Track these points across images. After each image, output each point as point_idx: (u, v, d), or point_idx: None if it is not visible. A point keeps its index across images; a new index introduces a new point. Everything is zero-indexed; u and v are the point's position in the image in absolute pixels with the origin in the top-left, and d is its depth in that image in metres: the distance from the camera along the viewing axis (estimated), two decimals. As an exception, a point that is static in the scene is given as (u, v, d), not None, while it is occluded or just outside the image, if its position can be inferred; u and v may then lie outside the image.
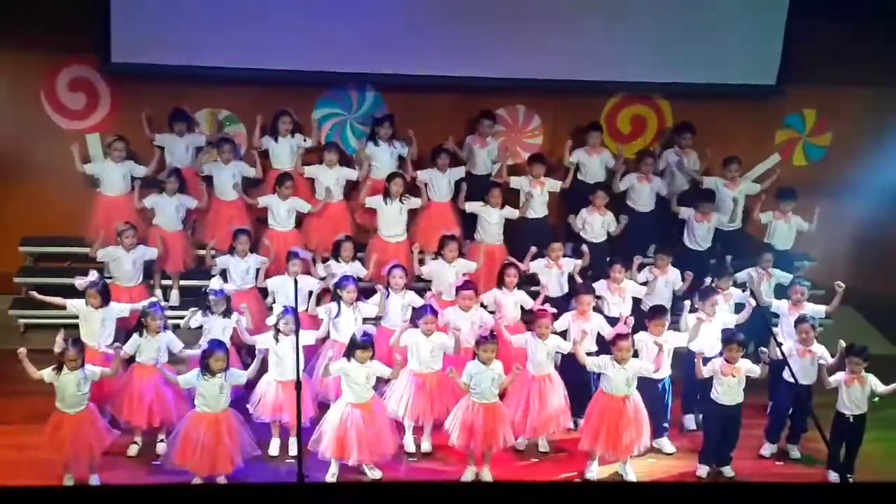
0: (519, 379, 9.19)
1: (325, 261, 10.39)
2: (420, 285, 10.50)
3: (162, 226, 10.69)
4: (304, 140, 11.26)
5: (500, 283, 10.03)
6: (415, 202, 10.95)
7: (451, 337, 9.26)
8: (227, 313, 9.41)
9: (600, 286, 10.12)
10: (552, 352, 9.32)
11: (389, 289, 9.86)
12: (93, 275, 9.51)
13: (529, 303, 10.02)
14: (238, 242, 10.19)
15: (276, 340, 9.06)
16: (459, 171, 11.23)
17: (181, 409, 8.94)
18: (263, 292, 10.32)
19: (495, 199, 10.87)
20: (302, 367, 8.64)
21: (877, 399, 9.18)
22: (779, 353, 8.95)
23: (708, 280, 10.12)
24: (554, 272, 10.42)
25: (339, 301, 9.61)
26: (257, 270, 10.29)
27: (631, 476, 9.13)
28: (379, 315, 9.90)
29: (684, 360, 9.69)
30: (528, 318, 9.87)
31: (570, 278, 10.50)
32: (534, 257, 10.61)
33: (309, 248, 10.66)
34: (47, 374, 8.45)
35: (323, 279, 10.15)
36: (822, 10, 11.10)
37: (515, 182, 11.23)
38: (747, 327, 9.90)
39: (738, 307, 10.13)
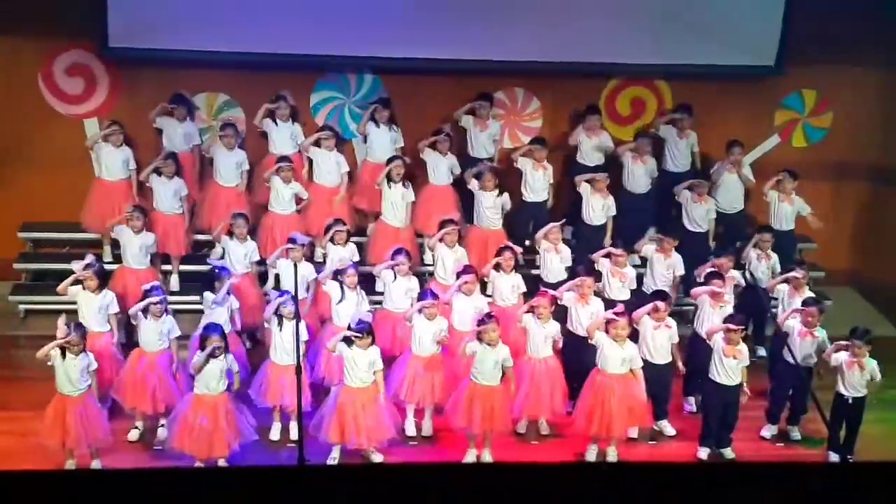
0: (517, 361, 9.21)
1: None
2: (423, 269, 10.54)
3: (160, 209, 10.67)
4: (300, 136, 11.20)
5: (497, 267, 10.03)
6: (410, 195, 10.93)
7: (442, 334, 9.29)
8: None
9: (604, 266, 10.10)
10: (550, 336, 9.31)
11: (394, 272, 9.85)
12: (89, 258, 9.51)
13: (524, 287, 10.02)
14: (236, 227, 10.19)
15: (280, 327, 9.05)
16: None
17: (185, 393, 8.95)
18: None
19: (488, 182, 10.84)
20: (302, 352, 8.69)
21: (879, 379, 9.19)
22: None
23: (704, 270, 10.06)
24: (553, 256, 10.40)
25: (342, 286, 9.59)
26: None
27: (612, 459, 9.14)
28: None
29: (685, 343, 9.70)
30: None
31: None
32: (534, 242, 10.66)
33: (309, 233, 10.65)
34: (47, 352, 8.43)
35: (320, 263, 10.21)
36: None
37: (521, 162, 11.19)
38: (745, 309, 9.91)
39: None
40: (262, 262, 10.46)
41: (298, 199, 10.88)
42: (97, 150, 10.89)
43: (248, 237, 10.27)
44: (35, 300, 10.78)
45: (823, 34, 11.44)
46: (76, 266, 9.36)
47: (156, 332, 9.01)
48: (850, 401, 9.14)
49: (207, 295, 9.46)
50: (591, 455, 9.18)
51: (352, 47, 11.08)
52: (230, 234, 10.24)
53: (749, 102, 12.12)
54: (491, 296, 10.03)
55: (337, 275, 9.67)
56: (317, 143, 11.08)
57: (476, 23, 11.11)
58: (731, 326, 9.09)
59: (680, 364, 9.51)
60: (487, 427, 8.95)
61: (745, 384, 9.20)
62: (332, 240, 10.24)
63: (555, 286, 9.98)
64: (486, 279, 10.06)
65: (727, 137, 11.55)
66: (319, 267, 10.25)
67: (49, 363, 8.46)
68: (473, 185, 10.93)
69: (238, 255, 10.15)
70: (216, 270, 9.57)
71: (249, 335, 10.22)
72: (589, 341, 9.19)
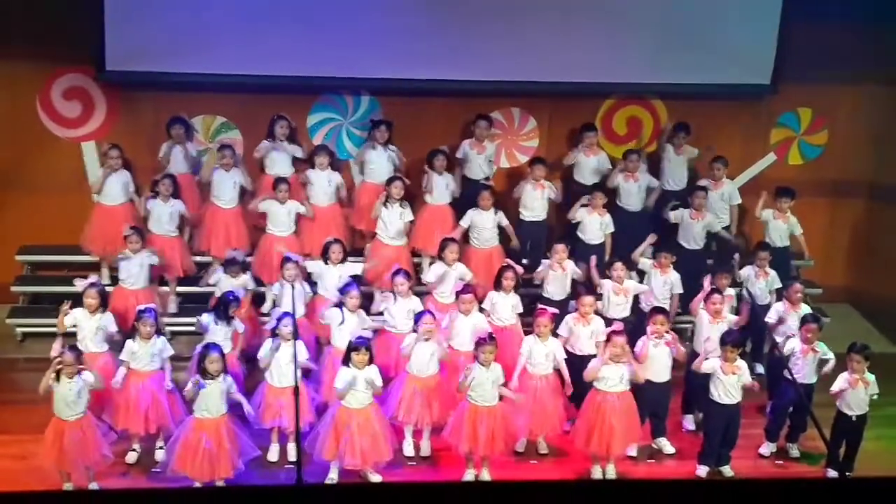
0: (518, 379, 9.22)
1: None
2: (422, 288, 10.55)
3: (157, 231, 10.68)
4: (297, 150, 11.23)
5: (497, 286, 10.04)
6: (408, 214, 10.94)
7: (441, 346, 9.29)
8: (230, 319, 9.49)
9: (605, 286, 10.11)
10: (551, 353, 9.32)
11: (395, 293, 9.86)
12: (92, 277, 9.53)
13: (521, 307, 10.06)
14: (230, 271, 10.13)
15: (276, 347, 9.05)
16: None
17: (178, 415, 8.95)
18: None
19: (485, 201, 10.86)
20: (300, 373, 8.69)
21: (876, 396, 9.19)
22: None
23: (707, 282, 10.03)
24: (558, 274, 10.41)
25: (342, 308, 9.57)
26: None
27: (611, 477, 9.14)
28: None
29: (686, 360, 9.70)
30: (529, 321, 9.85)
31: (573, 282, 10.51)
32: (536, 260, 10.68)
33: (304, 252, 10.66)
34: (47, 383, 8.42)
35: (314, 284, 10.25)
36: (815, 9, 11.12)
37: (521, 186, 11.19)
38: (742, 326, 9.91)
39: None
40: (261, 283, 10.49)
41: (300, 216, 10.88)
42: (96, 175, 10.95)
43: (242, 274, 10.20)
44: (32, 323, 10.79)
45: (818, 52, 11.49)
46: (79, 283, 9.36)
47: (147, 354, 8.99)
48: (854, 419, 9.15)
49: (203, 318, 9.47)
50: (597, 475, 9.15)
51: (349, 69, 11.12)
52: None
53: (745, 121, 12.17)
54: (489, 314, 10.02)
55: (340, 295, 9.66)
56: (311, 164, 11.11)
57: (472, 44, 11.15)
58: (707, 357, 9.10)
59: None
60: (492, 449, 8.92)
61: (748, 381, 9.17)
62: (327, 259, 10.22)
63: (558, 304, 10.05)
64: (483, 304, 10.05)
65: (724, 155, 11.57)
66: (314, 287, 10.26)
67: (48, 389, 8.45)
68: (468, 218, 10.90)
69: (234, 285, 10.12)
70: (229, 297, 9.54)
71: (249, 357, 10.19)
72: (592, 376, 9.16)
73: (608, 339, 9.10)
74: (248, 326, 9.81)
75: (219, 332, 9.36)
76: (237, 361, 9.52)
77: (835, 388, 9.14)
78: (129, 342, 9.01)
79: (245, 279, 10.20)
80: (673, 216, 11.23)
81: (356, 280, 10.00)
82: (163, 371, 9.08)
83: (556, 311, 9.53)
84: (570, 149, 11.72)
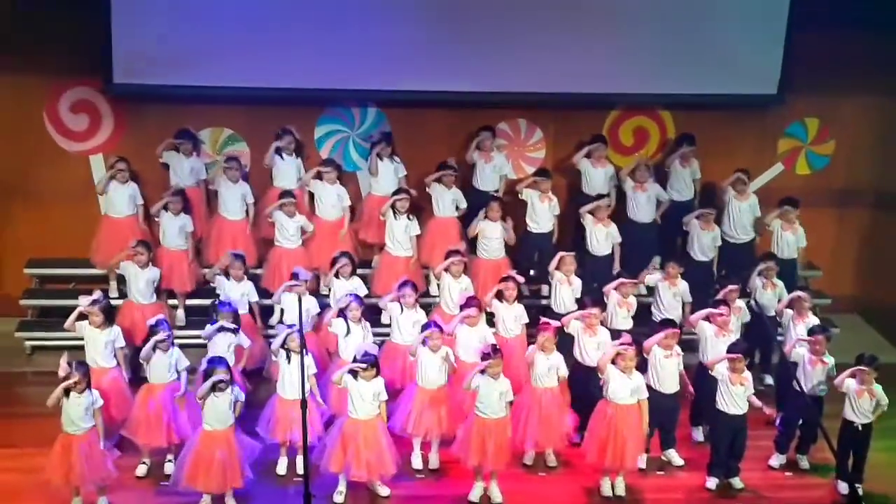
0: (523, 392, 9.21)
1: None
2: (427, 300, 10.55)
3: (166, 245, 10.70)
4: (303, 170, 11.28)
5: (500, 297, 10.03)
6: (415, 227, 10.96)
7: (449, 359, 9.27)
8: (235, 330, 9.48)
9: (611, 297, 10.08)
10: (554, 367, 9.30)
11: (401, 305, 9.86)
12: (96, 293, 9.52)
13: (527, 318, 10.05)
14: (233, 268, 10.18)
15: (289, 361, 9.05)
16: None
17: (197, 425, 8.92)
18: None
19: (494, 212, 10.86)
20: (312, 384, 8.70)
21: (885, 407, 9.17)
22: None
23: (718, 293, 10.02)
24: (566, 288, 10.40)
25: (346, 320, 9.57)
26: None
27: (620, 490, 9.13)
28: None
29: (693, 372, 9.68)
30: (532, 332, 9.85)
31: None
32: (544, 271, 10.70)
33: (313, 266, 10.67)
34: (56, 399, 8.43)
35: (325, 296, 10.22)
36: (821, 19, 11.12)
37: (526, 194, 11.23)
38: (751, 337, 9.90)
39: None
40: (269, 294, 10.48)
41: (304, 232, 10.90)
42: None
43: (245, 278, 10.24)
44: (41, 336, 10.80)
45: (825, 62, 11.49)
46: (83, 301, 9.38)
47: (164, 366, 9.03)
48: (860, 427, 9.12)
49: (208, 328, 9.50)
50: (606, 487, 9.15)
51: (355, 81, 11.14)
52: (226, 274, 10.25)
53: (752, 131, 12.15)
54: (494, 326, 10.01)
55: (341, 310, 9.67)
56: (318, 177, 11.13)
57: (478, 55, 11.16)
58: (731, 356, 9.07)
59: (690, 388, 9.48)
60: (501, 461, 8.92)
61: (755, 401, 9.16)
62: (336, 273, 10.24)
63: (564, 315, 10.03)
64: (487, 308, 10.04)
65: (730, 166, 11.58)
66: (324, 300, 10.26)
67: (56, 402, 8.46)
68: (475, 227, 10.92)
69: (234, 294, 10.12)
70: (217, 305, 9.57)
71: (255, 370, 10.18)
72: (599, 374, 9.16)
73: (617, 353, 9.08)
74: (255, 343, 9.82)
75: (220, 345, 9.36)
76: (240, 376, 9.49)
77: (843, 384, 9.07)
78: (147, 347, 9.00)
79: (248, 286, 10.20)
80: (689, 225, 11.20)
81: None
82: (179, 382, 9.10)
83: (559, 324, 9.51)
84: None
